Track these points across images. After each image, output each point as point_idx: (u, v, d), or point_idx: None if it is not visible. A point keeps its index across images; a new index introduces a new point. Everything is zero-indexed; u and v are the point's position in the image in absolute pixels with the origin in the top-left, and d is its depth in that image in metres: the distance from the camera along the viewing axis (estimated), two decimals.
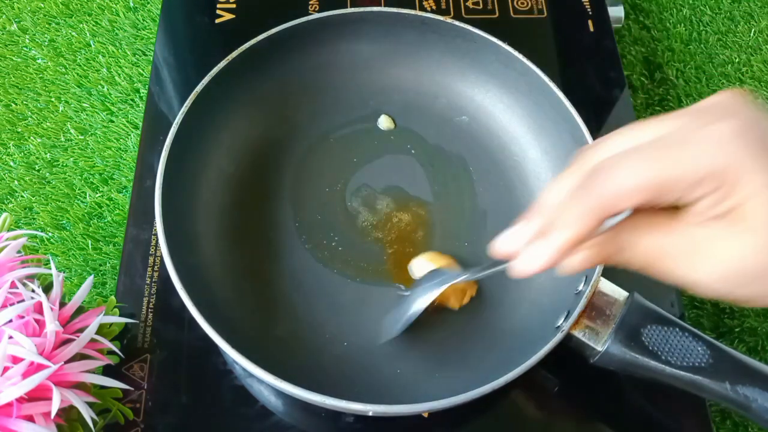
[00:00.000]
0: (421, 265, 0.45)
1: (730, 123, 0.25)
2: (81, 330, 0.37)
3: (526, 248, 0.29)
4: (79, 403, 0.35)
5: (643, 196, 0.25)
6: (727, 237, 0.26)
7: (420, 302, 0.41)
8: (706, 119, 0.25)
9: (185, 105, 0.44)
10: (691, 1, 0.66)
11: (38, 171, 0.54)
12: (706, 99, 0.27)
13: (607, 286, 0.40)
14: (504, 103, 0.51)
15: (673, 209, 0.27)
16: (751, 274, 0.26)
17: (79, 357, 0.37)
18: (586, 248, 0.28)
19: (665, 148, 0.25)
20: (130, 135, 0.55)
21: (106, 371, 0.40)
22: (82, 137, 0.55)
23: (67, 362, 0.36)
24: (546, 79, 0.47)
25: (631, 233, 0.28)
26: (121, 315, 0.41)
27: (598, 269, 0.40)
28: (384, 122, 0.51)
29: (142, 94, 0.57)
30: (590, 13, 0.59)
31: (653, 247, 0.27)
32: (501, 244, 0.31)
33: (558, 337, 0.38)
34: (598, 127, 0.54)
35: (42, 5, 0.62)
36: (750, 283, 0.26)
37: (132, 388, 0.41)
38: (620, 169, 0.26)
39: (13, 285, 0.36)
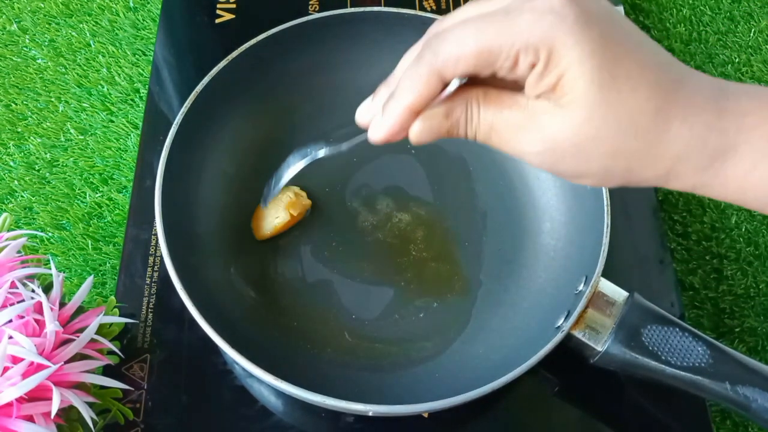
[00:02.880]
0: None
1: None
2: (81, 330, 0.37)
3: (373, 118, 0.30)
4: (79, 403, 0.35)
5: (470, 63, 0.26)
6: (550, 111, 0.27)
7: (286, 174, 0.41)
8: None
9: (185, 105, 0.44)
10: (691, 1, 0.66)
11: (38, 171, 0.54)
12: None
13: (607, 286, 0.40)
14: None
15: (514, 88, 0.28)
16: (570, 147, 0.27)
17: (79, 357, 0.37)
18: (428, 118, 0.29)
19: (491, 19, 0.26)
20: (130, 135, 0.55)
21: (106, 371, 0.40)
22: (82, 137, 0.55)
23: (67, 362, 0.36)
24: None
25: (471, 106, 0.29)
26: (121, 315, 0.41)
27: (598, 269, 0.40)
28: None
29: (142, 94, 0.57)
30: None
31: (489, 120, 0.29)
32: (358, 115, 0.33)
33: (558, 337, 0.38)
34: None
35: (42, 5, 0.62)
36: (570, 156, 0.27)
37: (132, 388, 0.41)
38: (450, 36, 0.27)
39: (13, 285, 0.36)
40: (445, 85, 0.28)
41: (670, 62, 0.27)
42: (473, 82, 0.29)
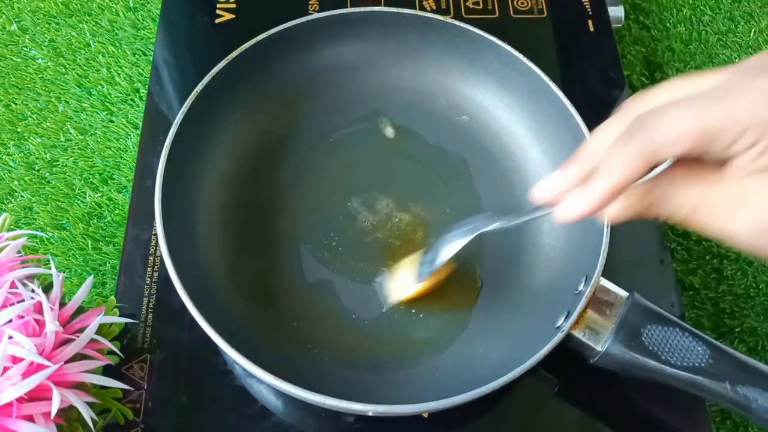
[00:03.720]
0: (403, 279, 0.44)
1: None
2: (81, 330, 0.37)
3: (569, 194, 0.29)
4: (79, 403, 0.35)
5: (688, 145, 0.26)
6: (767, 190, 0.26)
7: (449, 249, 0.40)
8: (750, 74, 0.26)
9: (185, 105, 0.44)
10: (691, 1, 0.66)
11: (38, 171, 0.54)
12: (750, 58, 0.27)
13: (607, 286, 0.40)
14: (504, 103, 0.51)
15: (716, 164, 0.27)
16: None
17: (79, 357, 0.37)
18: (627, 198, 0.28)
19: (711, 98, 0.26)
20: (130, 135, 0.55)
21: (106, 371, 0.40)
22: (82, 137, 0.55)
23: (67, 362, 0.36)
24: (546, 79, 0.47)
25: (671, 184, 0.28)
26: (121, 315, 0.41)
27: (598, 269, 0.40)
28: (385, 129, 0.50)
29: (142, 94, 0.57)
30: (590, 13, 0.59)
31: (693, 199, 0.28)
32: (542, 189, 0.31)
33: (558, 337, 0.38)
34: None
35: (42, 5, 0.62)
36: None
37: (132, 388, 0.41)
38: (667, 117, 0.26)
39: (13, 285, 0.36)
40: (655, 165, 0.27)
41: None
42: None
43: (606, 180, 0.27)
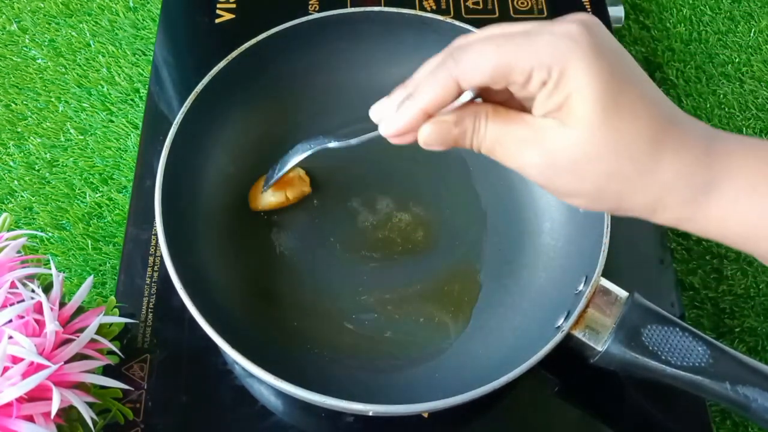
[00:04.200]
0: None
1: (570, 27, 0.28)
2: (81, 330, 0.37)
3: (387, 114, 0.32)
4: (79, 403, 0.35)
5: (485, 77, 0.28)
6: (554, 128, 0.29)
7: (289, 162, 0.43)
8: (554, 23, 0.29)
9: (185, 105, 0.44)
10: (691, 1, 0.66)
11: (38, 171, 0.54)
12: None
13: (607, 286, 0.40)
14: None
15: (522, 106, 0.30)
16: (568, 164, 0.29)
17: (79, 357, 0.37)
18: (438, 123, 0.31)
19: (512, 37, 0.29)
20: (130, 135, 0.55)
21: (106, 371, 0.40)
22: (82, 137, 0.55)
23: (67, 362, 0.36)
24: None
25: (478, 118, 0.31)
26: (121, 315, 0.41)
27: (598, 269, 0.40)
28: None
29: (142, 94, 0.57)
30: (590, 13, 0.59)
31: (495, 133, 0.31)
32: (372, 112, 0.34)
33: (558, 337, 0.38)
34: None
35: (42, 5, 0.62)
36: (567, 173, 0.29)
37: (132, 388, 0.41)
38: (472, 49, 0.29)
39: (13, 285, 0.36)
40: (460, 93, 0.30)
41: (669, 103, 0.30)
42: (485, 99, 0.31)
43: (415, 101, 0.30)
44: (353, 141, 0.38)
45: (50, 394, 0.34)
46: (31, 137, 0.55)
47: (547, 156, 0.29)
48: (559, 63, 0.27)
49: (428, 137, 0.31)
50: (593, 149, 0.28)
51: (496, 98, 0.31)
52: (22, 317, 0.35)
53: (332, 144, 0.40)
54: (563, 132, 0.28)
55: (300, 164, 0.43)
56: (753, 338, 0.49)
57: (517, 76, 0.28)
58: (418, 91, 0.30)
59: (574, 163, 0.29)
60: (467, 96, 0.30)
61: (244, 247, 0.46)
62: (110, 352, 0.40)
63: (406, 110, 0.31)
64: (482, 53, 0.29)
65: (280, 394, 0.42)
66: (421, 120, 0.31)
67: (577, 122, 0.28)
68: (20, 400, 0.33)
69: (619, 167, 0.28)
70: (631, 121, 0.28)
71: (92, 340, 0.38)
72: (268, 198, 0.47)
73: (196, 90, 0.45)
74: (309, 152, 0.41)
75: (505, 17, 0.59)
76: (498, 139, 0.31)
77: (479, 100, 0.31)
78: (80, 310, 0.39)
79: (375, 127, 0.34)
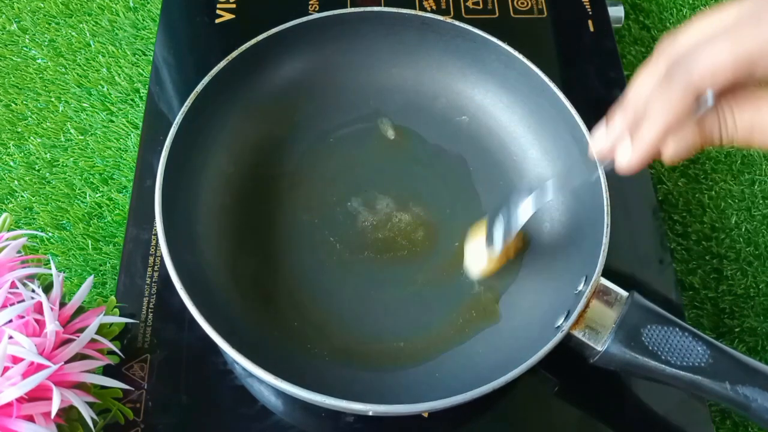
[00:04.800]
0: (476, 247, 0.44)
1: None
2: (81, 330, 0.37)
3: (620, 145, 0.30)
4: (79, 403, 0.35)
5: (727, 76, 0.27)
6: None
7: (521, 216, 0.40)
8: None
9: (185, 105, 0.44)
10: (691, 1, 0.66)
11: (38, 171, 0.54)
12: None
13: (608, 286, 0.40)
14: (504, 103, 0.51)
15: (764, 85, 0.28)
16: None
17: (79, 357, 0.37)
18: (681, 137, 0.29)
19: (740, 27, 0.26)
20: (130, 135, 0.55)
21: (106, 371, 0.40)
22: (82, 137, 0.55)
23: (67, 362, 0.36)
24: (546, 79, 0.47)
25: (723, 113, 0.28)
26: (121, 315, 0.41)
27: (598, 269, 0.40)
28: (385, 129, 0.50)
29: (142, 94, 0.57)
30: (590, 13, 0.59)
31: (748, 121, 0.28)
32: (596, 145, 0.32)
33: (558, 337, 0.38)
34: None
35: (42, 5, 0.62)
36: None
37: (132, 388, 0.41)
38: (702, 53, 0.27)
39: (13, 285, 0.36)
40: (699, 102, 0.28)
41: None
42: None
43: (653, 125, 0.28)
44: (573, 185, 0.37)
45: (50, 394, 0.34)
46: (32, 137, 0.55)
47: None
48: None
49: (675, 154, 0.29)
50: None
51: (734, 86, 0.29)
52: (23, 317, 0.35)
53: (551, 196, 0.38)
54: None
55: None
56: (753, 338, 0.49)
57: (763, 66, 0.26)
58: (654, 113, 0.28)
59: None
60: (710, 101, 0.28)
61: (244, 247, 0.46)
62: (110, 352, 0.40)
63: (646, 135, 0.29)
64: (717, 53, 0.27)
65: (280, 394, 0.42)
66: (663, 141, 0.29)
67: None
68: (20, 400, 0.33)
69: None
70: None
71: (92, 340, 0.38)
72: (491, 266, 0.44)
73: (196, 90, 0.45)
74: (539, 204, 0.40)
75: (505, 17, 0.59)
76: (753, 125, 0.28)
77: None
78: (80, 310, 0.39)
79: None
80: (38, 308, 0.36)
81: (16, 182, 0.53)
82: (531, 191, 0.40)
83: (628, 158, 0.30)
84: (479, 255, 0.44)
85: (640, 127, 0.29)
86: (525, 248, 0.46)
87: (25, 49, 0.60)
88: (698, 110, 0.28)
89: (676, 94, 0.28)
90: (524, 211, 0.40)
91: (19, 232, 0.40)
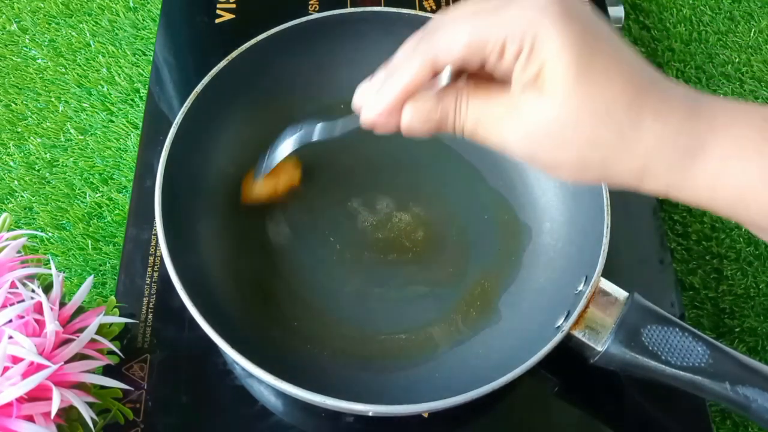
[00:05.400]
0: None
1: None
2: (81, 330, 0.37)
3: (370, 97, 0.32)
4: (79, 403, 0.35)
5: (462, 53, 0.28)
6: (533, 101, 0.28)
7: (279, 153, 0.42)
8: None
9: (185, 105, 0.44)
10: (691, 1, 0.66)
11: (38, 171, 0.54)
12: None
13: (607, 286, 0.40)
14: None
15: (503, 82, 0.29)
16: (548, 134, 0.28)
17: (79, 357, 0.37)
18: (419, 105, 0.31)
19: (482, 13, 0.28)
20: (130, 135, 0.55)
21: (106, 371, 0.40)
22: (82, 137, 0.55)
23: (67, 362, 0.36)
24: None
25: (459, 99, 0.30)
26: (121, 315, 0.41)
27: (598, 269, 0.40)
28: None
29: (142, 94, 0.57)
30: None
31: (476, 113, 0.30)
32: (356, 97, 0.34)
33: (558, 337, 0.38)
34: None
35: (42, 5, 0.62)
36: (548, 144, 0.29)
37: (132, 388, 0.41)
38: (445, 28, 0.29)
39: (13, 285, 0.36)
40: (437, 73, 0.30)
41: (646, 66, 0.29)
42: (471, 79, 0.31)
43: (395, 82, 0.30)
44: (341, 131, 0.38)
45: (50, 394, 0.34)
46: (31, 137, 0.55)
47: (527, 130, 0.29)
48: (530, 32, 0.27)
49: (410, 120, 0.31)
50: (571, 117, 0.28)
51: (481, 77, 0.30)
52: (22, 317, 0.35)
53: (317, 134, 0.39)
54: (540, 103, 0.28)
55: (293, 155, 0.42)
56: (753, 338, 0.49)
57: (490, 51, 0.28)
58: (397, 71, 0.30)
59: (554, 134, 0.28)
60: (445, 78, 0.30)
61: (244, 247, 0.46)
62: (110, 352, 0.40)
63: (385, 92, 0.31)
64: (454, 31, 0.28)
65: (280, 394, 0.42)
66: (400, 102, 0.30)
67: (553, 91, 0.27)
68: (20, 400, 0.33)
69: (599, 133, 0.28)
70: (606, 85, 0.27)
71: (92, 340, 0.38)
72: (260, 191, 0.46)
73: (196, 90, 0.45)
74: (296, 143, 0.41)
75: None
76: (479, 119, 0.30)
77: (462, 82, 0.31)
78: (80, 310, 0.39)
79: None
80: (38, 308, 0.36)
81: (16, 182, 0.53)
82: (298, 131, 0.41)
83: (371, 110, 0.31)
84: (249, 184, 0.46)
85: (385, 83, 0.31)
86: (297, 183, 0.47)
87: (25, 49, 0.60)
88: (436, 84, 0.30)
89: (416, 61, 0.29)
90: (285, 146, 0.42)
91: (19, 232, 0.40)
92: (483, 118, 0.30)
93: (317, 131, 0.39)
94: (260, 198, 0.46)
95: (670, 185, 0.29)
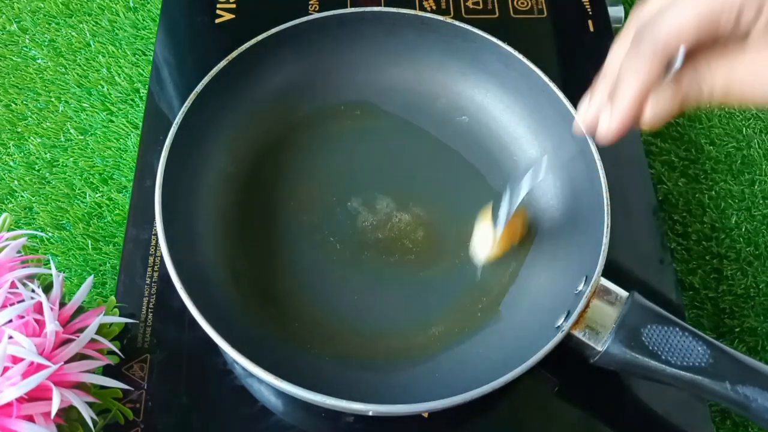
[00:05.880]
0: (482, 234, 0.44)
1: None
2: (81, 330, 0.37)
3: (601, 114, 0.31)
4: (79, 403, 0.35)
5: (693, 34, 0.27)
6: None
7: (519, 194, 0.41)
8: None
9: (185, 105, 0.44)
10: None
11: (38, 171, 0.54)
12: None
13: (608, 286, 0.40)
14: (504, 103, 0.51)
15: (738, 42, 0.28)
16: None
17: (79, 357, 0.37)
18: (658, 101, 0.29)
19: None
20: (130, 135, 0.55)
21: (106, 371, 0.40)
22: (82, 137, 0.55)
23: (67, 362, 0.36)
24: (546, 79, 0.47)
25: (697, 72, 0.29)
26: (121, 315, 0.41)
27: (598, 269, 0.40)
28: (385, 129, 0.50)
29: (142, 94, 0.57)
30: (590, 13, 0.59)
31: (724, 76, 0.29)
32: (580, 117, 0.32)
33: (558, 337, 0.38)
34: None
35: (42, 5, 0.62)
36: None
37: (132, 388, 0.41)
38: (665, 15, 0.28)
39: (13, 285, 0.36)
40: (669, 63, 0.28)
41: None
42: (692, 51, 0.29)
43: (626, 89, 0.29)
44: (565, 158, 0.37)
45: (50, 394, 0.34)
46: (31, 137, 0.55)
47: None
48: None
49: (654, 117, 0.30)
50: None
51: (704, 44, 0.29)
52: (22, 317, 0.35)
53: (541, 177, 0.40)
54: None
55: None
56: (753, 338, 0.49)
57: (725, 22, 0.27)
58: (625, 78, 0.29)
59: None
60: (679, 61, 0.28)
61: (244, 247, 0.46)
62: (110, 352, 0.40)
63: (621, 102, 0.29)
64: (680, 13, 0.27)
65: (280, 394, 0.42)
66: (640, 106, 0.29)
67: None
68: (20, 400, 0.33)
69: None
70: None
71: (92, 340, 0.38)
72: (496, 249, 0.45)
73: (196, 90, 0.45)
74: (530, 186, 0.41)
75: (505, 17, 0.59)
76: (729, 83, 0.29)
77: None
78: (80, 310, 0.39)
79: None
80: (38, 308, 0.36)
81: (16, 182, 0.53)
82: (526, 171, 0.41)
83: (608, 125, 0.30)
84: (485, 237, 0.44)
85: (615, 95, 0.29)
86: (528, 234, 0.46)
87: (25, 49, 0.60)
88: (670, 71, 0.29)
89: (645, 57, 0.28)
90: (522, 188, 0.41)
91: (19, 232, 0.40)
92: (734, 78, 0.29)
93: (545, 167, 0.39)
94: (502, 250, 0.45)
95: None
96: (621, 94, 0.29)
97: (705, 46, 0.29)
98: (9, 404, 0.33)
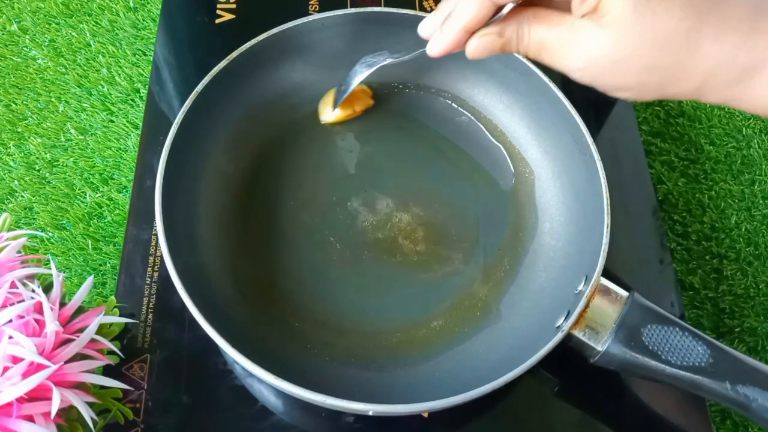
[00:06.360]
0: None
1: None
2: (81, 330, 0.37)
3: (434, 34, 0.34)
4: (79, 403, 0.35)
5: None
6: (592, 30, 0.30)
7: (354, 80, 0.47)
8: None
9: (185, 105, 0.44)
10: None
11: (38, 171, 0.54)
12: None
13: (608, 286, 0.40)
14: (504, 103, 0.51)
15: (563, 11, 0.31)
16: (608, 63, 0.30)
17: (79, 357, 0.37)
18: (482, 36, 0.33)
19: None
20: (130, 135, 0.55)
21: (106, 371, 0.40)
22: (82, 137, 0.55)
23: (67, 362, 0.36)
24: (546, 79, 0.47)
25: (521, 26, 0.32)
26: (121, 315, 0.41)
27: (598, 269, 0.40)
28: (385, 130, 0.52)
29: (142, 94, 0.57)
30: None
31: (539, 37, 0.32)
32: (420, 28, 0.36)
33: (558, 337, 0.38)
34: (598, 127, 0.54)
35: (42, 5, 0.62)
36: (609, 71, 0.30)
37: (132, 388, 0.41)
38: None
39: (13, 285, 0.36)
40: (499, 9, 0.32)
41: None
42: (525, 4, 0.33)
43: (455, 21, 0.32)
44: (405, 57, 0.42)
45: (50, 394, 0.34)
46: (32, 137, 0.55)
47: (588, 57, 0.30)
48: None
49: (474, 51, 0.33)
50: (630, 48, 0.29)
51: (540, 5, 0.32)
52: (22, 317, 0.35)
53: (388, 61, 0.44)
54: (600, 33, 0.29)
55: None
56: (753, 338, 0.49)
57: None
58: (458, 10, 0.32)
59: (613, 63, 0.30)
60: (507, 8, 0.31)
61: (244, 247, 0.46)
62: (110, 352, 0.40)
63: (449, 30, 0.33)
64: None
65: (280, 394, 0.42)
66: (464, 37, 0.32)
67: (612, 23, 0.29)
68: (20, 400, 0.33)
69: (658, 61, 0.29)
70: (664, 15, 0.28)
71: (92, 340, 0.38)
72: (338, 112, 0.50)
73: (196, 90, 0.45)
74: (369, 71, 0.45)
75: None
76: (542, 43, 0.32)
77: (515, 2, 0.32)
78: (80, 310, 0.39)
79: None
80: (38, 308, 0.36)
81: (16, 182, 0.53)
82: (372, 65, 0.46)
83: (437, 45, 0.34)
84: (327, 106, 0.50)
85: (448, 20, 0.33)
86: (367, 107, 0.51)
87: (25, 49, 0.60)
88: (496, 17, 0.32)
89: (477, 1, 0.31)
90: (358, 74, 0.47)
91: (19, 232, 0.40)
92: (546, 43, 0.32)
93: (386, 58, 0.44)
94: (340, 120, 0.51)
95: (728, 98, 0.30)
96: (450, 22, 0.32)
97: (535, 4, 0.32)
98: (9, 404, 0.33)
